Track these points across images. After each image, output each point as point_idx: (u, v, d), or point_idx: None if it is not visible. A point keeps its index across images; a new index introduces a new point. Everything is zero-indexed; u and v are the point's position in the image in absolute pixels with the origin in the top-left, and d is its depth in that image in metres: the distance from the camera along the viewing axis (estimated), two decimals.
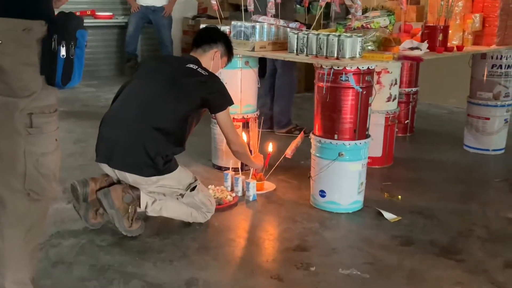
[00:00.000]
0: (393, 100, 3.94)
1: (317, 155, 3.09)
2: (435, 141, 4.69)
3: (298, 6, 6.07)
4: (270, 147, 3.46)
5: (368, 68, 2.96)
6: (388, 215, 3.02)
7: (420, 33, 3.65)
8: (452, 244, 2.75)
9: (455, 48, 3.67)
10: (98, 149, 2.74)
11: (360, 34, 3.06)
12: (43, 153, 1.78)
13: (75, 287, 2.31)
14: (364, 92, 2.99)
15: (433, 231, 2.89)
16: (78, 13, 1.81)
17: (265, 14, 3.57)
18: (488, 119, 4.24)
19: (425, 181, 3.67)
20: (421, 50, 3.34)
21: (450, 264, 2.54)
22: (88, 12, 7.12)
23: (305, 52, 3.09)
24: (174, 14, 7.25)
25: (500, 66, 4.15)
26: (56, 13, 1.76)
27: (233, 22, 3.54)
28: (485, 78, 4.20)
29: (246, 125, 3.61)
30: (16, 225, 1.83)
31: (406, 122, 4.73)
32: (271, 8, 3.55)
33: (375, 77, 3.46)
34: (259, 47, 3.38)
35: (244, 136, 3.45)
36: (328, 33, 3.07)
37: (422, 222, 3.00)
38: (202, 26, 3.32)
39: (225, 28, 3.51)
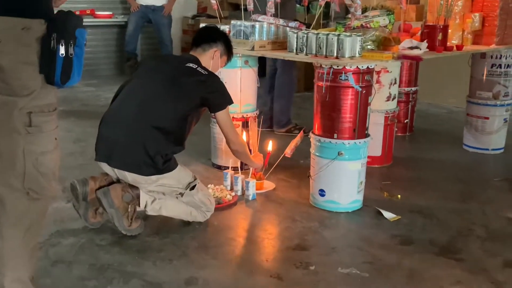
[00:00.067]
0: (393, 100, 3.94)
1: (317, 154, 3.10)
2: (435, 140, 4.69)
3: (297, 5, 6.06)
4: (270, 146, 3.46)
5: (367, 67, 2.96)
6: (387, 214, 3.03)
7: (419, 33, 3.65)
8: (452, 244, 2.75)
9: (454, 48, 3.67)
10: (97, 148, 2.74)
11: (360, 34, 3.06)
12: (43, 152, 1.78)
13: (74, 286, 2.31)
14: (364, 92, 2.99)
15: (432, 231, 2.89)
16: (77, 12, 1.80)
17: (265, 14, 3.57)
18: (487, 118, 4.24)
19: (425, 181, 3.67)
20: (420, 49, 3.34)
21: (449, 263, 2.55)
22: (88, 12, 7.11)
23: (304, 52, 3.09)
24: (173, 14, 7.25)
25: (500, 66, 4.15)
26: (55, 12, 1.76)
27: (232, 21, 3.54)
28: (484, 77, 4.20)
29: (245, 124, 3.61)
30: (15, 224, 1.83)
31: (405, 121, 4.73)
32: (270, 8, 3.55)
33: (375, 76, 3.46)
34: (259, 46, 3.38)
35: (244, 136, 3.46)
36: (327, 32, 3.07)
37: (421, 221, 3.00)
38: (201, 25, 3.32)
39: (224, 28, 3.52)
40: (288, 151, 3.39)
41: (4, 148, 1.75)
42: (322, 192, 3.10)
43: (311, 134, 3.14)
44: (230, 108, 2.96)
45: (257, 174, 3.39)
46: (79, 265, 2.46)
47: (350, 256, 2.61)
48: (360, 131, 3.04)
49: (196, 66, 2.83)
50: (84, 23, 1.78)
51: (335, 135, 3.01)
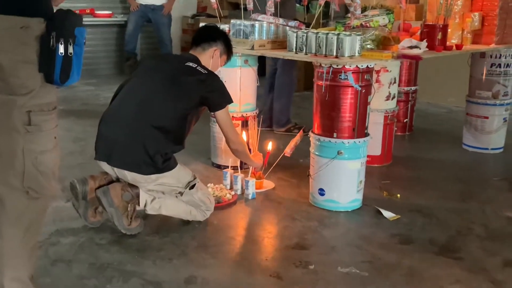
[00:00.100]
0: (392, 99, 3.94)
1: (316, 153, 3.10)
2: (434, 140, 4.70)
3: (297, 5, 6.07)
4: (270, 146, 3.46)
5: (367, 66, 2.96)
6: (387, 214, 3.03)
7: (419, 32, 3.65)
8: (451, 243, 2.75)
9: (454, 47, 3.67)
10: (97, 147, 2.75)
11: (359, 33, 3.06)
12: (42, 151, 1.78)
13: (74, 285, 2.31)
14: (363, 91, 2.99)
15: (432, 230, 2.89)
16: (77, 11, 1.80)
17: (265, 13, 3.57)
18: (487, 118, 4.24)
19: (424, 180, 3.67)
20: (420, 49, 3.34)
21: (449, 262, 2.55)
22: (87, 11, 7.11)
23: (304, 51, 3.09)
24: (173, 13, 7.24)
25: (499, 65, 4.15)
26: (55, 11, 1.76)
27: (232, 21, 3.54)
28: (484, 77, 4.20)
29: (245, 123, 3.61)
30: (15, 223, 1.83)
31: (405, 121, 4.73)
32: (270, 7, 3.55)
33: (374, 75, 3.46)
34: (258, 45, 3.38)
35: (243, 135, 3.46)
36: (327, 31, 3.07)
37: (421, 220, 3.00)
38: (201, 24, 3.32)
39: (224, 27, 3.52)
40: (287, 151, 3.39)
41: (4, 147, 1.75)
42: (321, 191, 3.10)
43: (310, 134, 3.14)
44: (230, 107, 2.96)
45: (256, 173, 3.39)
46: (78, 264, 2.46)
47: (349, 255, 2.61)
48: (360, 130, 3.04)
49: (196, 65, 2.83)
50: (83, 22, 1.78)
51: (335, 134, 3.01)
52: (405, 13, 3.93)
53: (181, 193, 2.78)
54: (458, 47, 3.71)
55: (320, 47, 3.00)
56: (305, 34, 3.07)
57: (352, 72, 2.92)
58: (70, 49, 1.71)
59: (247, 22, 3.45)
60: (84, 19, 1.81)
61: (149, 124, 2.66)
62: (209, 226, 2.88)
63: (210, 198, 2.91)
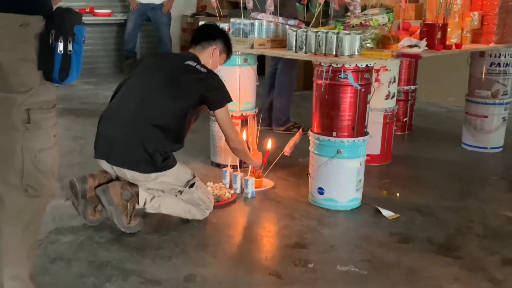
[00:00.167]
0: (392, 98, 3.94)
1: (316, 152, 3.10)
2: (434, 139, 4.70)
3: (297, 4, 6.08)
4: (269, 145, 3.46)
5: (366, 65, 2.96)
6: (386, 213, 3.03)
7: (418, 31, 3.65)
8: (450, 242, 2.75)
9: (453, 46, 3.67)
10: (96, 145, 2.75)
11: (359, 32, 3.06)
12: (41, 149, 1.78)
13: (73, 284, 2.31)
14: (363, 90, 2.99)
15: (431, 229, 2.89)
16: (76, 10, 1.80)
17: (264, 12, 3.57)
18: (486, 117, 4.24)
19: (424, 179, 3.67)
20: (419, 47, 3.34)
21: (448, 261, 2.55)
22: (87, 10, 7.11)
23: (303, 50, 3.09)
24: (173, 12, 7.24)
25: (499, 64, 4.15)
26: (54, 8, 1.76)
27: (232, 20, 3.54)
28: (483, 76, 4.20)
29: (244, 122, 3.61)
30: (14, 221, 1.83)
31: (404, 120, 4.73)
32: (270, 6, 3.55)
33: (374, 74, 3.46)
34: (258, 44, 3.38)
35: (243, 134, 3.45)
36: (326, 30, 3.07)
37: (420, 219, 3.01)
38: (201, 23, 3.32)
39: (224, 26, 3.51)
40: (287, 150, 3.39)
41: (3, 145, 1.75)
42: (321, 190, 3.10)
43: (310, 133, 3.14)
44: (229, 106, 2.96)
45: (256, 172, 3.39)
46: (78, 263, 2.46)
47: (348, 254, 2.61)
48: (359, 129, 3.04)
49: (196, 64, 2.83)
50: (83, 21, 1.78)
51: (334, 133, 3.01)
52: (405, 12, 3.93)
53: (180, 192, 2.78)
54: (458, 46, 3.71)
55: (319, 46, 3.00)
56: (304, 33, 3.08)
57: (352, 71, 2.92)
58: (70, 47, 1.71)
59: (246, 21, 3.45)
60: (83, 18, 1.80)
61: (149, 123, 2.66)
62: (208, 225, 2.88)
63: (209, 197, 2.91)
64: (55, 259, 2.48)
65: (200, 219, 2.88)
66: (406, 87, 4.69)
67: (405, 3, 3.68)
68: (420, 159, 4.13)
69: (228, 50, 3.04)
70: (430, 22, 3.64)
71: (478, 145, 4.30)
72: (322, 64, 2.95)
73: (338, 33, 2.95)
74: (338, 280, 2.38)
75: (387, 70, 3.82)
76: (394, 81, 3.92)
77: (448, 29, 3.66)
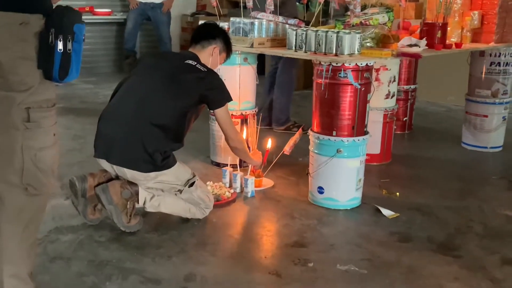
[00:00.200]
0: (392, 97, 3.94)
1: (316, 151, 3.10)
2: (434, 138, 4.70)
3: (297, 3, 6.08)
4: (269, 144, 3.46)
5: (366, 64, 2.96)
6: (386, 212, 3.03)
7: (418, 30, 3.65)
8: (450, 241, 2.75)
9: (453, 46, 3.67)
10: (96, 145, 2.74)
11: (359, 31, 3.06)
12: (41, 148, 1.78)
13: (73, 283, 2.31)
14: (363, 89, 2.99)
15: (431, 228, 2.89)
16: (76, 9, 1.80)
17: (264, 11, 3.56)
18: (486, 116, 4.24)
19: (423, 178, 3.67)
20: (419, 47, 3.34)
21: (447, 260, 2.55)
22: (87, 9, 7.11)
23: (303, 49, 3.09)
24: (173, 11, 7.24)
25: (499, 64, 4.15)
26: (54, 7, 1.76)
27: (231, 19, 3.54)
28: (483, 75, 4.20)
29: (244, 121, 3.61)
30: (13, 220, 1.83)
31: (404, 119, 4.73)
32: (269, 5, 3.55)
33: (374, 74, 3.46)
34: (258, 43, 3.38)
35: (243, 133, 3.46)
36: (326, 29, 3.07)
37: (420, 218, 3.01)
38: (200, 22, 3.32)
39: (223, 25, 3.51)
40: (287, 149, 3.39)
41: (2, 144, 1.75)
42: (320, 190, 3.10)
43: (310, 132, 3.14)
44: (229, 105, 2.96)
45: (256, 171, 3.39)
46: (77, 262, 2.46)
47: (348, 253, 2.61)
48: (359, 128, 3.04)
49: (195, 63, 2.83)
50: (82, 19, 1.78)
51: (334, 133, 3.01)
52: (405, 11, 3.93)
53: (180, 191, 2.78)
54: (458, 45, 3.71)
55: (319, 45, 3.00)
56: (304, 32, 3.07)
57: (352, 70, 2.92)
58: (69, 46, 1.71)
59: (246, 20, 3.45)
60: (83, 17, 1.80)
61: (148, 122, 2.66)
62: (208, 224, 2.88)
63: (209, 196, 2.91)
64: (55, 258, 2.48)
65: (200, 218, 2.87)
66: (406, 87, 4.69)
67: (405, 2, 3.68)
68: (420, 159, 4.13)
69: (228, 49, 3.04)
70: (430, 21, 3.64)
71: (478, 145, 4.30)
72: (322, 63, 2.95)
73: (338, 32, 2.95)
74: (338, 279, 2.38)
75: (387, 69, 3.82)
76: (394, 80, 3.92)
77: (448, 28, 3.66)
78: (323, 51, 2.98)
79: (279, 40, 3.44)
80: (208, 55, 2.94)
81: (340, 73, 2.93)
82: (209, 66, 2.90)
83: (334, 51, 2.94)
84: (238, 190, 3.30)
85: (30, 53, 1.70)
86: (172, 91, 2.72)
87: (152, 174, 2.67)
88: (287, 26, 3.41)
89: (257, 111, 3.76)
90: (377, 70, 3.76)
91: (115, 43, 7.66)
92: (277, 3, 3.62)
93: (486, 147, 4.28)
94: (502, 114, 4.25)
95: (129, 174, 2.67)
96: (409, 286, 2.34)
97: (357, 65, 2.92)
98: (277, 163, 3.50)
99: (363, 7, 3.55)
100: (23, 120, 1.73)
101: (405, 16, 3.97)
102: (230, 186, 3.34)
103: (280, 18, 3.48)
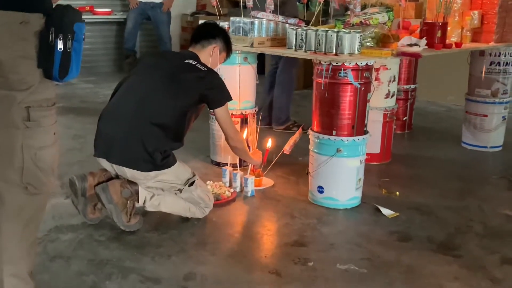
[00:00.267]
0: (392, 97, 3.94)
1: (315, 151, 3.10)
2: (433, 138, 4.70)
3: (297, 3, 6.08)
4: (269, 143, 3.46)
5: (366, 64, 2.96)
6: (386, 211, 3.03)
7: (418, 30, 3.65)
8: (450, 240, 2.75)
9: (453, 45, 3.67)
10: (96, 144, 2.75)
11: (359, 30, 3.06)
12: (41, 147, 1.78)
13: (73, 282, 2.31)
14: (363, 88, 2.99)
15: (430, 227, 2.90)
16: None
17: (264, 10, 3.57)
18: (486, 116, 4.25)
19: (423, 178, 3.67)
20: (419, 46, 3.34)
21: (447, 260, 2.55)
22: (87, 8, 7.11)
23: (303, 48, 3.09)
24: (173, 11, 7.24)
25: (499, 63, 4.15)
26: (54, 6, 1.76)
27: (231, 18, 3.54)
28: (483, 75, 4.20)
29: (244, 121, 3.61)
30: (13, 219, 1.83)
31: (404, 119, 4.73)
32: (269, 4, 3.55)
33: (374, 73, 3.46)
34: (258, 43, 3.38)
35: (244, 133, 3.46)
36: (326, 29, 3.07)
37: (419, 218, 3.01)
38: (200, 22, 3.32)
39: (223, 24, 3.51)
40: (286, 148, 3.40)
41: (2, 143, 1.74)
42: (320, 189, 3.10)
43: (309, 131, 3.14)
44: (229, 104, 2.96)
45: (255, 171, 3.39)
46: (77, 261, 2.46)
47: (348, 252, 2.61)
48: (359, 128, 3.04)
49: (195, 62, 2.83)
50: (82, 18, 1.78)
51: (334, 132, 3.01)
52: (405, 11, 3.93)
53: (180, 190, 2.79)
54: (458, 45, 3.71)
55: (319, 45, 3.00)
56: (304, 32, 3.07)
57: (352, 70, 2.92)
58: (69, 45, 1.70)
59: (246, 20, 3.45)
60: (83, 17, 1.80)
61: (148, 121, 2.66)
62: (208, 223, 2.88)
63: (209, 195, 2.92)
64: (55, 257, 2.48)
65: (200, 218, 2.88)
66: (406, 86, 4.69)
67: (405, 2, 3.69)
68: (419, 158, 4.13)
69: (228, 49, 3.04)
70: (430, 21, 3.64)
71: (478, 144, 4.30)
72: (322, 62, 2.95)
73: (338, 32, 2.95)
74: (337, 278, 2.38)
75: (387, 69, 3.82)
76: (394, 80, 3.92)
77: (448, 28, 3.66)
78: (323, 50, 2.98)
79: (279, 40, 3.44)
80: (208, 54, 2.95)
81: (340, 73, 2.93)
82: (209, 66, 2.90)
83: (334, 51, 2.94)
84: (238, 190, 3.30)
85: (30, 52, 1.70)
86: (172, 91, 2.72)
87: (152, 173, 2.67)
88: (287, 25, 3.41)
89: (257, 110, 3.76)
90: (377, 69, 3.76)
91: (115, 42, 7.66)
92: (277, 2, 3.62)
93: (486, 147, 4.28)
94: (502, 113, 4.26)
95: (129, 173, 2.67)
96: (409, 285, 2.34)
97: (357, 65, 2.92)
98: (277, 163, 3.50)
99: (363, 7, 3.55)
100: (23, 119, 1.72)
101: (405, 15, 3.97)
102: (230, 186, 3.34)
103: (280, 18, 3.49)
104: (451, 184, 3.57)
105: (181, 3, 7.72)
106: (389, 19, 3.51)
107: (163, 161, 2.67)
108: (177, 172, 2.76)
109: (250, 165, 3.37)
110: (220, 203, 3.08)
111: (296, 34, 3.12)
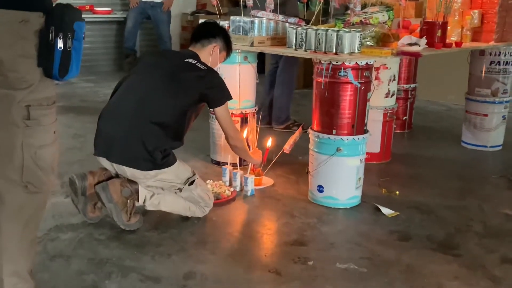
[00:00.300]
0: (392, 96, 3.94)
1: (315, 150, 3.10)
2: (433, 137, 4.70)
3: (297, 2, 6.08)
4: (269, 143, 3.46)
5: (366, 63, 2.96)
6: (385, 211, 3.03)
7: (418, 29, 3.65)
8: (450, 240, 2.76)
9: (453, 44, 3.67)
10: (96, 143, 2.75)
11: (359, 30, 3.06)
12: (41, 146, 1.78)
13: (73, 281, 2.31)
14: (363, 88, 2.99)
15: (430, 227, 2.90)
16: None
17: (264, 10, 3.57)
18: (486, 115, 4.25)
19: (423, 177, 3.67)
20: (419, 46, 3.34)
21: (447, 259, 2.55)
22: (87, 7, 7.11)
23: (303, 47, 3.09)
24: (173, 10, 7.24)
25: (499, 63, 4.15)
26: (54, 5, 1.76)
27: (232, 17, 3.54)
28: (483, 74, 4.20)
29: (244, 120, 3.61)
30: (13, 218, 1.83)
31: (404, 118, 4.73)
32: (269, 4, 3.55)
33: (374, 72, 3.46)
34: (258, 42, 3.38)
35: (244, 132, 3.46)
36: (326, 28, 3.07)
37: (419, 217, 3.01)
38: (201, 21, 3.32)
39: (224, 23, 3.51)
40: (286, 147, 3.40)
41: (3, 142, 1.75)
42: (320, 188, 3.10)
43: (309, 130, 3.14)
44: (229, 104, 2.96)
45: (255, 170, 3.39)
46: (77, 260, 2.46)
47: (348, 251, 2.61)
48: (359, 127, 3.04)
49: (195, 61, 2.83)
50: (82, 17, 1.78)
51: (334, 131, 3.01)
52: (405, 10, 3.93)
53: (180, 189, 2.79)
54: (458, 44, 3.71)
55: (319, 44, 3.00)
56: (304, 31, 3.07)
57: (352, 69, 2.92)
58: (69, 44, 1.71)
59: (246, 19, 3.45)
60: (83, 16, 1.80)
61: (148, 120, 2.66)
62: (208, 222, 2.88)
63: (209, 194, 2.92)
64: (55, 256, 2.49)
65: (200, 217, 2.88)
66: (406, 85, 4.69)
67: (405, 1, 3.68)
68: (419, 158, 4.14)
69: (228, 48, 3.04)
70: (430, 20, 3.64)
71: (478, 144, 4.31)
72: (322, 62, 2.95)
73: (338, 31, 2.95)
74: (337, 277, 2.38)
75: (387, 68, 3.82)
76: (394, 79, 3.92)
77: (448, 27, 3.66)
78: (323, 49, 2.98)
79: (279, 39, 3.44)
80: (208, 53, 2.95)
81: (340, 72, 2.93)
82: (209, 65, 2.90)
83: (334, 50, 2.94)
84: (238, 189, 3.30)
85: (30, 51, 1.70)
86: (172, 90, 2.72)
87: (152, 172, 2.67)
88: (287, 24, 3.41)
89: (257, 109, 3.76)
90: (377, 69, 3.76)
91: (115, 42, 7.66)
92: (277, 1, 3.62)
93: (486, 146, 4.28)
94: (502, 113, 4.26)
95: (129, 172, 2.67)
96: (409, 284, 2.34)
97: (357, 64, 2.92)
98: (277, 162, 3.50)
99: (363, 6, 3.55)
100: (23, 118, 1.73)
101: (405, 15, 3.97)
102: (230, 185, 3.34)
103: (280, 17, 3.49)
104: (451, 184, 3.57)
105: (181, 2, 7.72)
106: (389, 18, 3.51)
107: (163, 160, 2.68)
108: (177, 171, 2.76)
109: (250, 164, 3.37)
110: (220, 202, 3.08)
111: (296, 33, 3.12)
